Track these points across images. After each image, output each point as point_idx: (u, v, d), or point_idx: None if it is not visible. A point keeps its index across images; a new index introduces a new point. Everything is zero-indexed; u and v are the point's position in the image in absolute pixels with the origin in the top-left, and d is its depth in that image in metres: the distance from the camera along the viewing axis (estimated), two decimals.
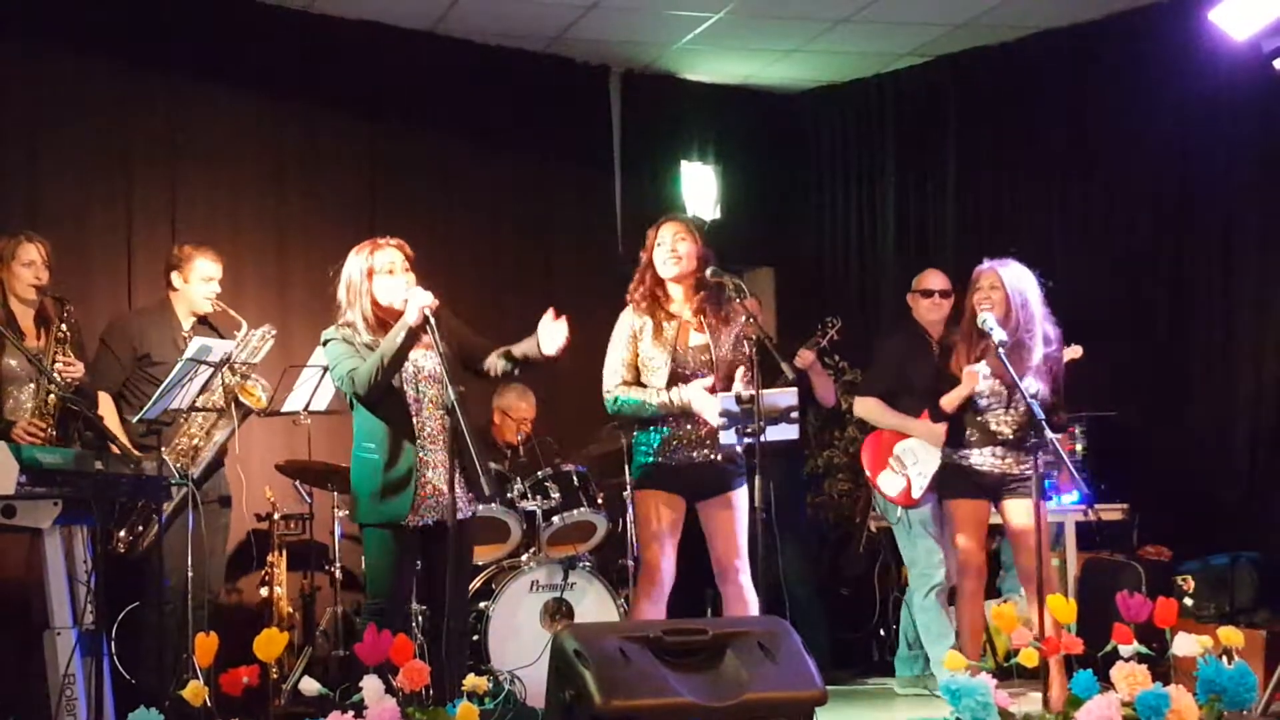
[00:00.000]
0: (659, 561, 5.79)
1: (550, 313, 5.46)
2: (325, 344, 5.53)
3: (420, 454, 5.40)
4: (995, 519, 6.48)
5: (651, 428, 5.85)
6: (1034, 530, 5.98)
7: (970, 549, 6.36)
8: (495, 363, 5.59)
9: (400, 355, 5.31)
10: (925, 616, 6.86)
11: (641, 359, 5.84)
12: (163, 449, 6.21)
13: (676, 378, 5.78)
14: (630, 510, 6.98)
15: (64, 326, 6.05)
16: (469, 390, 5.39)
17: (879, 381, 7.03)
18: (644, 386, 5.81)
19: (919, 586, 6.92)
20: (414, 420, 5.42)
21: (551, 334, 5.44)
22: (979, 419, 6.29)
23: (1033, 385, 6.11)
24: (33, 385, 5.95)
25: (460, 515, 5.38)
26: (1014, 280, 6.27)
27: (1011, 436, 6.25)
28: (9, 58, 7.38)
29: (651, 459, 5.84)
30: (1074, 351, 6.48)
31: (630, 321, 5.89)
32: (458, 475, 5.33)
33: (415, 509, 5.39)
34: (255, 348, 6.50)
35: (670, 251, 5.84)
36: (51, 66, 7.50)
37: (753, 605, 5.79)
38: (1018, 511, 6.23)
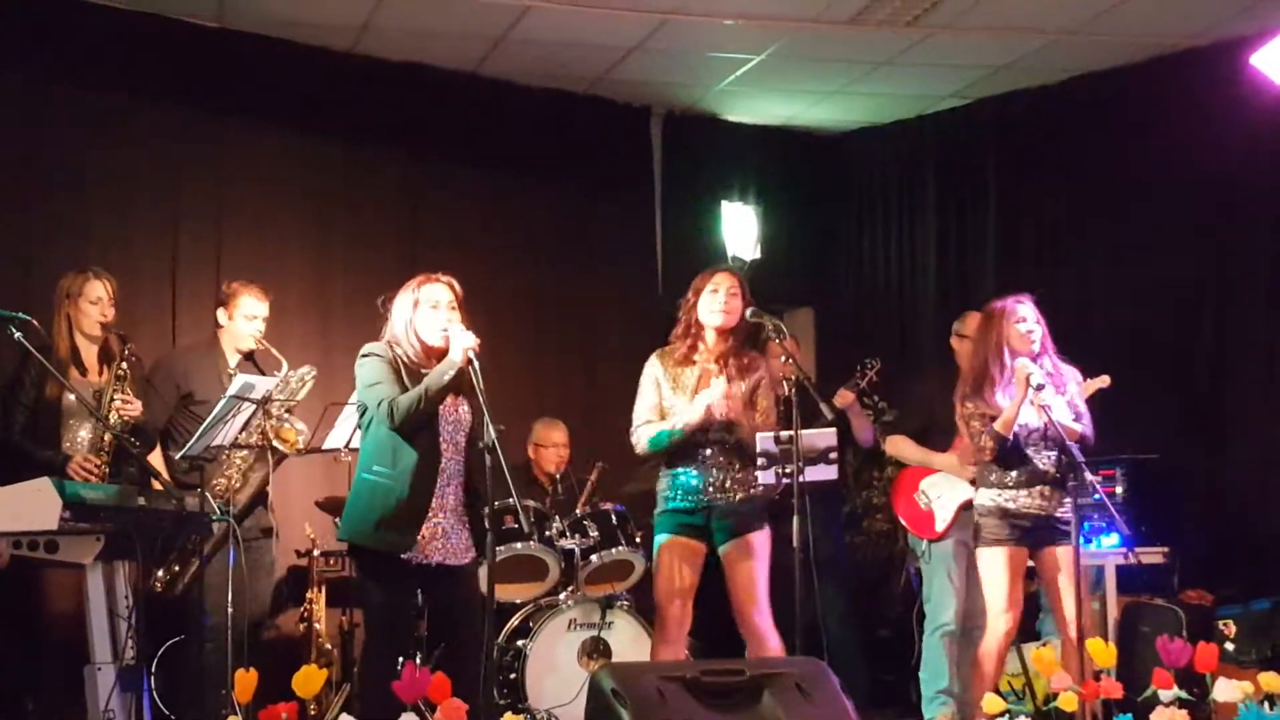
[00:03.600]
0: (679, 615, 5.92)
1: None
2: (365, 356, 5.45)
3: (439, 493, 5.39)
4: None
5: (679, 475, 5.91)
6: (1076, 578, 6.00)
7: (1004, 597, 6.29)
8: None
9: (443, 393, 5.32)
10: (928, 654, 6.87)
11: (666, 406, 5.91)
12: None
13: (699, 427, 5.84)
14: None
15: (124, 365, 6.10)
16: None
17: (909, 421, 7.09)
18: None
19: (929, 624, 6.92)
20: (441, 458, 5.42)
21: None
22: (1025, 458, 6.26)
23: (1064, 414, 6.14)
24: (92, 421, 6.00)
25: (458, 561, 5.39)
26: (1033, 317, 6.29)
27: (1057, 474, 6.21)
28: (57, 97, 7.48)
29: (675, 504, 5.92)
30: (1101, 381, 6.43)
31: (654, 371, 5.98)
32: (463, 520, 5.39)
33: (423, 547, 5.35)
34: (295, 389, 6.53)
35: (723, 304, 5.90)
36: (99, 106, 7.60)
37: (773, 648, 5.82)
38: (1058, 559, 6.20)
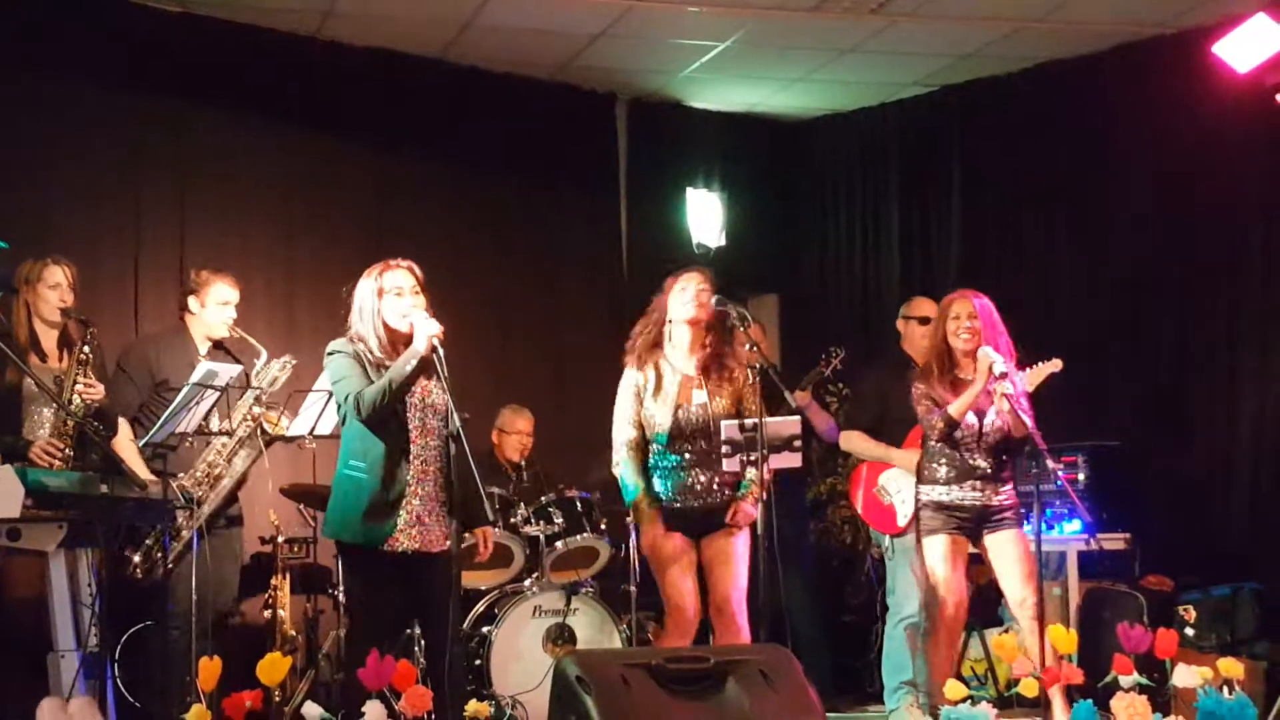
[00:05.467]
0: (687, 602, 5.86)
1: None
2: (330, 354, 5.42)
3: (411, 482, 5.37)
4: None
5: (662, 476, 5.94)
6: (1024, 560, 6.06)
7: (949, 585, 6.32)
8: None
9: (408, 383, 5.29)
10: (890, 645, 6.83)
11: (645, 416, 5.93)
12: (182, 475, 6.24)
13: (678, 435, 5.88)
14: (634, 539, 7.00)
15: (86, 349, 6.06)
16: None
17: (861, 414, 7.02)
18: (646, 447, 5.94)
19: (891, 616, 6.89)
20: (412, 447, 5.40)
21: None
22: (954, 453, 6.29)
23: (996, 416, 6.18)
24: (53, 406, 5.96)
25: (434, 549, 5.35)
26: (989, 312, 6.29)
27: (989, 470, 6.25)
28: (19, 83, 7.42)
29: (662, 501, 5.92)
30: (1053, 365, 6.47)
31: (634, 379, 5.98)
32: (443, 506, 5.34)
33: (397, 535, 5.35)
34: (275, 377, 6.53)
35: (694, 297, 5.92)
36: (60, 91, 7.55)
37: (745, 640, 5.82)
38: (1004, 543, 6.24)
